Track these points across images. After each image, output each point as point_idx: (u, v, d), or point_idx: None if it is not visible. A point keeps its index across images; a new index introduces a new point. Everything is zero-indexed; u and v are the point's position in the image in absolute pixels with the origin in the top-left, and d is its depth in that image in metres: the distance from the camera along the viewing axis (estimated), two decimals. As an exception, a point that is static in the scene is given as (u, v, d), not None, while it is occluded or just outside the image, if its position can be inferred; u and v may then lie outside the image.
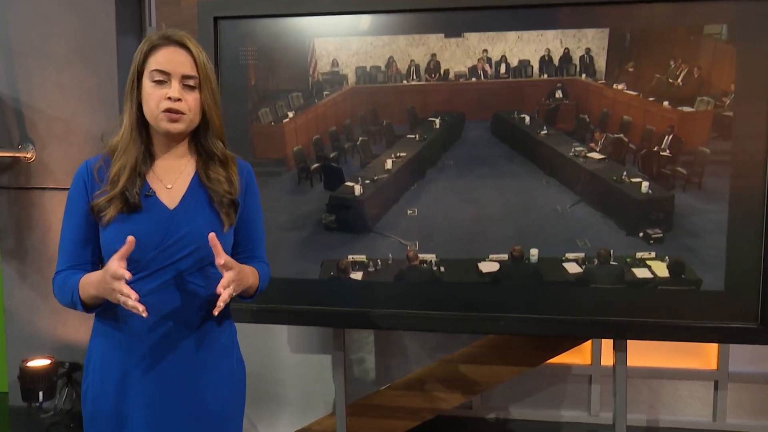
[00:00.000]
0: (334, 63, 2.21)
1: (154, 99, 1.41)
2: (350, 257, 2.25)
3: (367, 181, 2.23)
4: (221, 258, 1.39)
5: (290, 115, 2.25)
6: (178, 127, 1.44)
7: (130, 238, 1.34)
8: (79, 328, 3.14)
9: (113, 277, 1.32)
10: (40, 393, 2.95)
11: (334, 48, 2.20)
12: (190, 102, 1.43)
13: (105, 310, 1.48)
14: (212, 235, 1.39)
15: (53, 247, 3.14)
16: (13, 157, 3.12)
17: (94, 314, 1.52)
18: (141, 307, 1.32)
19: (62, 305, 1.50)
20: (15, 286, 3.20)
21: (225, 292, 1.39)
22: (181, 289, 1.46)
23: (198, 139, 1.50)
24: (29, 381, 2.95)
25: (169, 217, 1.45)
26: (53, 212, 3.13)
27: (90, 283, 1.40)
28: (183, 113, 1.42)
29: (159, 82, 1.41)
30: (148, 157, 1.48)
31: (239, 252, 1.60)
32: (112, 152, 1.47)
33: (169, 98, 1.40)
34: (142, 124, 1.46)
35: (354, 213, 2.24)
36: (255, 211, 1.62)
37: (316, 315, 2.29)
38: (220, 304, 1.39)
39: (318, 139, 2.25)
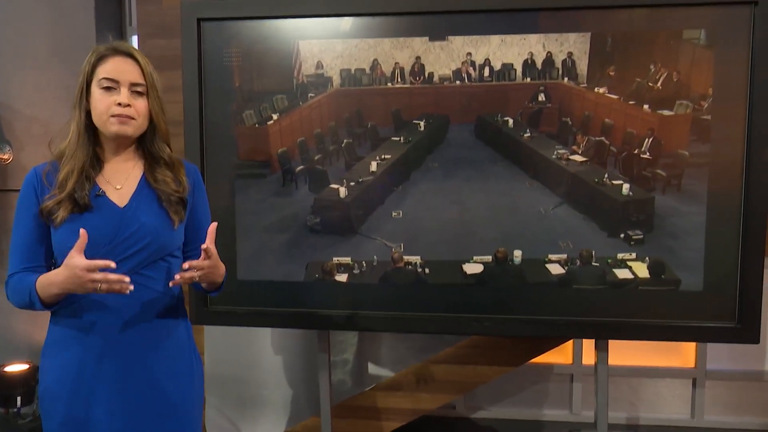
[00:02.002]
0: (319, 65, 2.21)
1: (104, 105, 1.49)
2: (335, 259, 2.25)
3: (352, 184, 2.23)
4: (207, 244, 1.48)
5: (275, 117, 2.25)
6: (126, 130, 1.51)
7: (83, 231, 1.41)
8: (58, 332, 3.09)
9: (87, 270, 1.38)
10: (18, 398, 2.91)
11: (319, 50, 2.20)
12: (139, 107, 1.51)
13: (61, 307, 1.52)
14: (213, 225, 1.50)
15: (31, 249, 3.09)
16: (-11, 158, 3.06)
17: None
18: (126, 280, 1.40)
19: (16, 306, 1.54)
20: (-8, 289, 3.15)
21: (189, 272, 1.47)
22: (136, 283, 1.49)
23: (144, 143, 1.58)
24: (7, 386, 2.91)
25: (120, 214, 1.52)
26: (31, 214, 3.08)
27: (52, 283, 1.45)
28: (133, 118, 1.50)
29: (108, 89, 1.49)
30: (96, 161, 1.55)
31: (192, 250, 1.67)
32: (59, 158, 1.54)
33: (119, 104, 1.48)
34: (90, 131, 1.54)
35: (339, 215, 2.24)
36: (204, 211, 1.70)
37: (301, 317, 2.28)
38: (179, 276, 1.47)
39: (303, 141, 2.25)
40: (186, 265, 1.49)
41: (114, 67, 1.50)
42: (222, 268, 1.61)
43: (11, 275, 1.54)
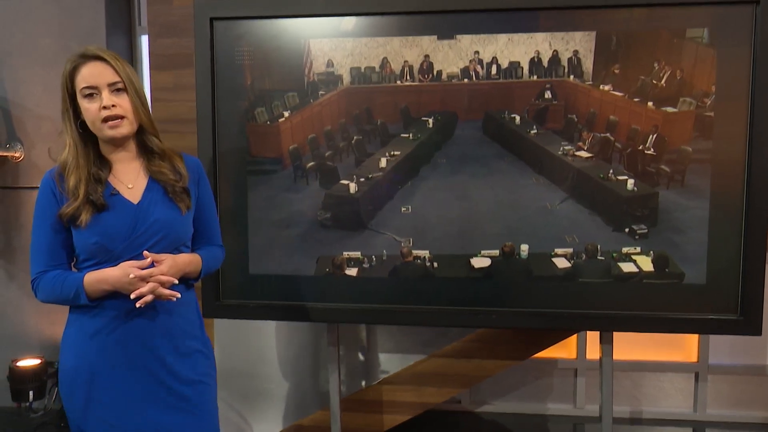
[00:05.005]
0: (329, 63, 2.25)
1: (92, 113, 1.56)
2: (345, 254, 2.29)
3: (362, 179, 2.27)
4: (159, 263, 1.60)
5: (286, 114, 2.29)
6: (121, 131, 1.59)
7: (146, 254, 1.58)
8: (68, 328, 3.13)
9: (139, 279, 1.55)
10: (30, 393, 2.94)
11: (329, 49, 2.24)
12: (124, 105, 1.59)
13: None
14: (146, 253, 1.58)
15: (42, 246, 3.13)
16: (1, 156, 3.10)
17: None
18: (178, 296, 1.61)
19: (48, 301, 1.63)
20: (3, 285, 3.19)
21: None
22: None
23: (139, 140, 1.67)
24: (19, 381, 2.94)
25: (135, 210, 1.62)
26: (42, 211, 3.11)
27: (103, 280, 1.57)
28: (122, 116, 1.58)
29: (90, 96, 1.57)
30: (105, 164, 1.64)
31: (198, 239, 1.80)
32: (63, 167, 1.62)
33: (105, 107, 1.55)
34: (87, 138, 1.62)
35: (349, 210, 2.28)
36: (209, 202, 1.81)
37: (311, 310, 2.32)
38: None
39: (313, 138, 2.29)
40: (145, 252, 1.59)
41: (89, 73, 1.56)
42: (186, 260, 1.68)
43: (40, 273, 1.62)
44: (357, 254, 2.29)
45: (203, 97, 2.28)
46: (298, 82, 2.27)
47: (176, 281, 1.61)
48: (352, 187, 2.27)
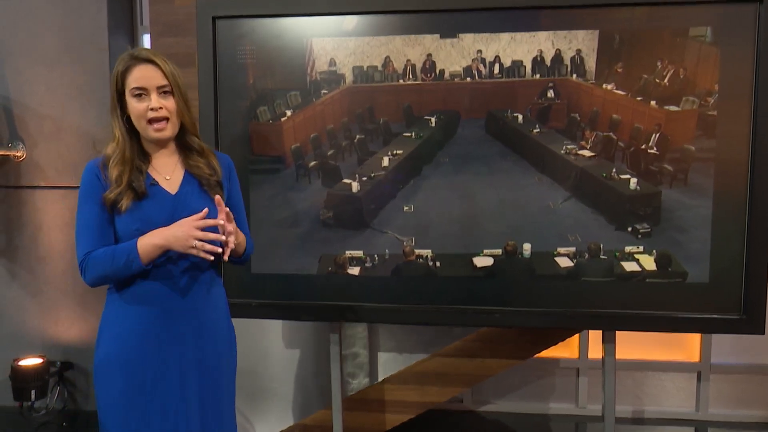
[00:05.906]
0: (332, 62, 2.25)
1: (139, 112, 1.67)
2: (348, 253, 2.29)
3: (365, 178, 2.27)
4: (223, 214, 1.67)
5: (288, 113, 2.29)
6: (165, 133, 1.70)
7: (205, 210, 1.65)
8: (69, 328, 3.13)
9: (195, 227, 1.62)
10: (32, 392, 2.94)
11: (332, 48, 2.24)
12: (170, 107, 1.69)
13: (121, 282, 1.71)
14: (218, 198, 1.67)
15: (43, 245, 3.13)
16: (3, 155, 3.10)
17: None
18: (219, 250, 1.65)
19: (97, 279, 1.68)
20: (5, 284, 3.18)
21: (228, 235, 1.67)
22: (189, 258, 1.71)
23: (179, 137, 1.77)
24: (21, 380, 2.94)
25: (173, 200, 1.73)
26: (44, 211, 3.11)
27: (155, 234, 1.64)
28: (167, 118, 1.68)
29: (140, 96, 1.67)
30: (145, 156, 1.75)
31: None
32: (108, 158, 1.72)
33: (152, 109, 1.66)
34: (131, 133, 1.73)
35: (351, 209, 2.28)
36: (238, 196, 1.92)
37: (313, 309, 2.32)
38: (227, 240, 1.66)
39: (316, 137, 2.29)
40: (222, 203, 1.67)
41: (140, 76, 1.66)
42: (242, 236, 1.84)
43: (88, 254, 1.68)
44: (359, 253, 2.29)
45: (206, 96, 2.29)
46: (301, 81, 2.27)
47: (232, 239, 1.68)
48: (355, 186, 2.27)
